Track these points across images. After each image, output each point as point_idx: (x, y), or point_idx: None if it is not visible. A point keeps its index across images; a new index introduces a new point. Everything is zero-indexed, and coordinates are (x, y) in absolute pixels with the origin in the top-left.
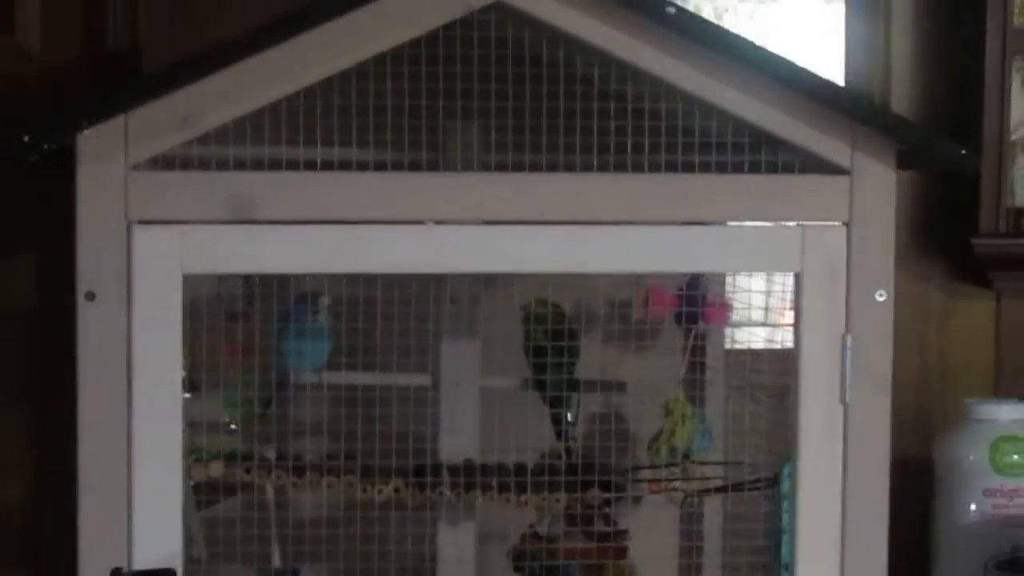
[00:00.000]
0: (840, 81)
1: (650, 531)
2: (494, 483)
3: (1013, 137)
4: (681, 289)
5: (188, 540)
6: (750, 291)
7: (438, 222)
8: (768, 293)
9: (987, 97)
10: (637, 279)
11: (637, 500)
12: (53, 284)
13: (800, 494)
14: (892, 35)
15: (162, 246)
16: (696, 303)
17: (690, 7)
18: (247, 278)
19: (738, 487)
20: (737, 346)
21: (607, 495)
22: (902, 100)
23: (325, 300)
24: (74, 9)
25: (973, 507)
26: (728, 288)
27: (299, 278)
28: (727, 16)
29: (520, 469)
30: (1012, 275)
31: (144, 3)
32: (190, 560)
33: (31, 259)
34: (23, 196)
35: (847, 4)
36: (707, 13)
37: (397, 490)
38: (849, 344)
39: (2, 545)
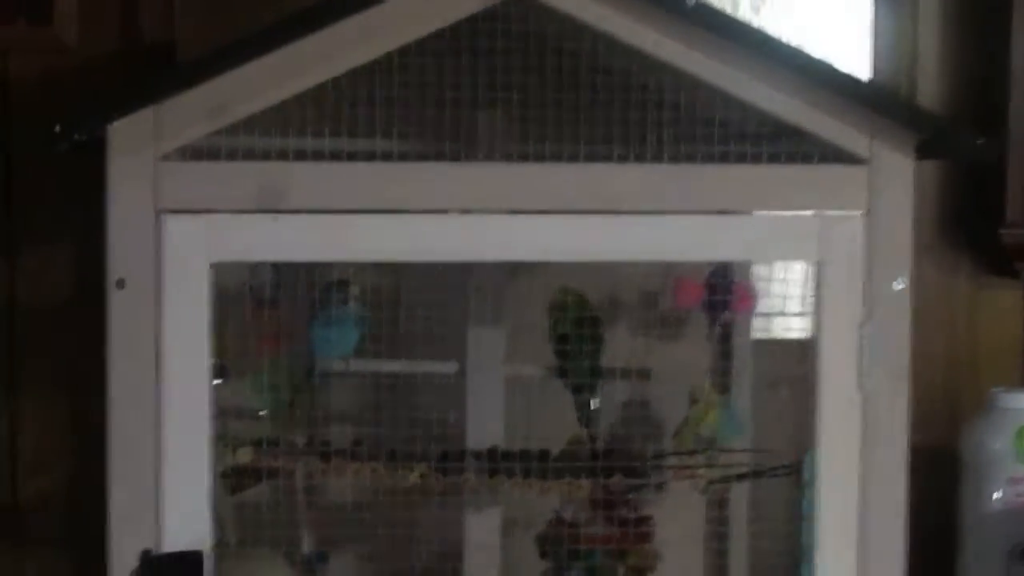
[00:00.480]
0: (867, 73)
1: (676, 518)
2: (518, 469)
3: None
4: (709, 279)
5: (219, 524)
6: (770, 280)
7: (464, 211)
8: (792, 282)
9: (1013, 87)
10: (665, 268)
11: (662, 487)
12: (91, 275)
13: (819, 482)
14: (919, 27)
15: (190, 235)
16: (723, 293)
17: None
18: (276, 267)
19: (760, 474)
20: (764, 336)
21: (630, 481)
22: (929, 92)
23: (354, 289)
24: (111, 2)
25: (998, 495)
26: (756, 278)
27: (328, 267)
28: (764, 9)
29: (544, 456)
30: None
31: None
32: (221, 543)
33: (70, 250)
34: (63, 188)
35: None
36: (745, 6)
37: (423, 475)
38: (867, 333)
39: (44, 530)
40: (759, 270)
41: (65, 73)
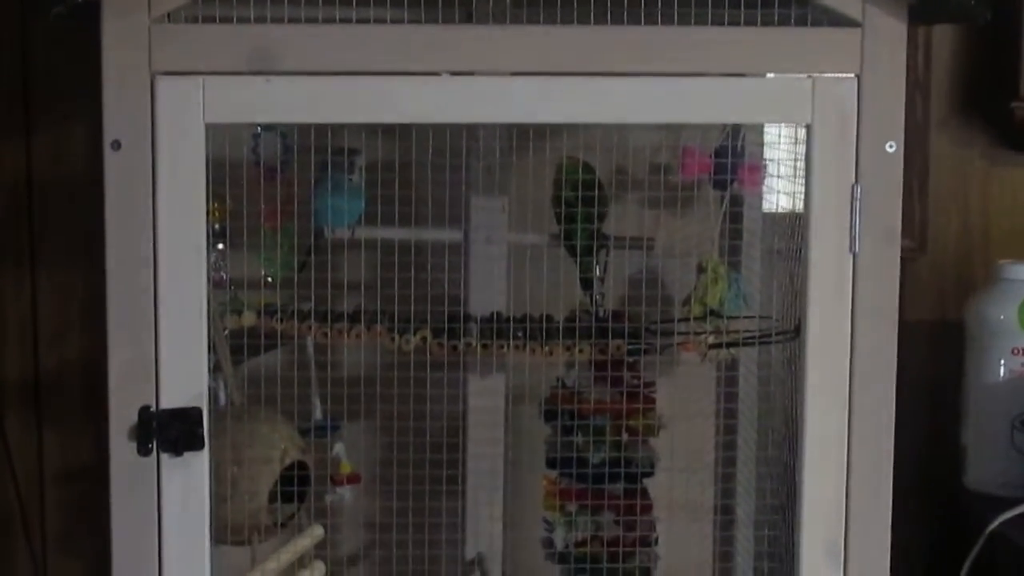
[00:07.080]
0: None
1: (681, 386)
2: (519, 334)
3: None
4: (716, 150)
5: (225, 385)
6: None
7: (460, 73)
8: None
9: None
10: (673, 140)
11: (665, 355)
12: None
13: (809, 345)
14: None
15: (184, 96)
16: (730, 164)
17: None
18: (282, 134)
19: (764, 339)
20: (771, 208)
21: (630, 345)
22: None
23: (360, 158)
24: None
25: (1002, 364)
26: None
27: (332, 134)
28: None
29: (547, 321)
30: None
31: None
32: (225, 403)
33: (83, 127)
34: (77, 67)
35: None
36: None
37: (424, 339)
38: (859, 195)
39: (63, 401)
40: (768, 140)
41: None
